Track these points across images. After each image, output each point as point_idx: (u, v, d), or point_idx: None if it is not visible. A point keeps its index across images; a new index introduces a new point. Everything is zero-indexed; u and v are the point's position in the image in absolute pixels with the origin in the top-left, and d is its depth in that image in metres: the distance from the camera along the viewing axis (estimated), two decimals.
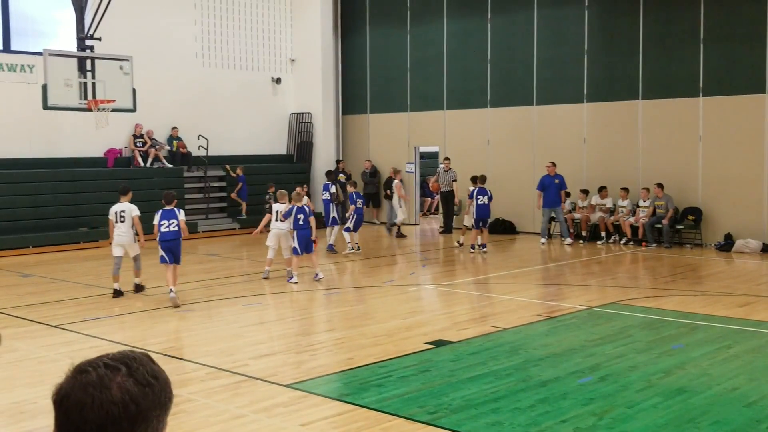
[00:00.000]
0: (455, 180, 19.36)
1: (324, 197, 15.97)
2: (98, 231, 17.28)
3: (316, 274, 12.54)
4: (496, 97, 19.80)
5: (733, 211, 16.29)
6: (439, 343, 8.54)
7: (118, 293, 11.21)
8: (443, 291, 11.99)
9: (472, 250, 15.63)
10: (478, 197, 15.68)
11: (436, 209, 22.32)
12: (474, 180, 15.99)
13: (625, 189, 17.36)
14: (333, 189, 15.93)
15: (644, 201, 17.03)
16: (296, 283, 12.20)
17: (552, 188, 17.26)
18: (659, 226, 16.71)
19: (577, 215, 17.84)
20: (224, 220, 20.01)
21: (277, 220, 12.49)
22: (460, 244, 16.40)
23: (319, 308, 10.98)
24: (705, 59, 16.54)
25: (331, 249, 15.89)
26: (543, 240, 17.18)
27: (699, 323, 9.43)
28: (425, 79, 21.21)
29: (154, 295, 11.34)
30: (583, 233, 17.51)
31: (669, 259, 15.07)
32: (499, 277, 13.28)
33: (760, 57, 15.84)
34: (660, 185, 16.72)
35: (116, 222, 11.13)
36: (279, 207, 12.53)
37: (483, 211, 15.71)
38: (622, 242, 17.04)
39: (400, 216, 18.34)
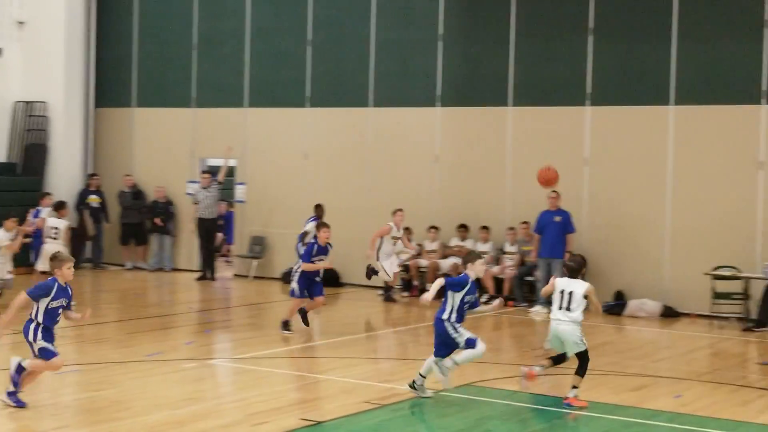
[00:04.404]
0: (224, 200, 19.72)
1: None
2: None
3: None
4: (318, 94, 20.11)
5: (627, 261, 17.36)
6: None
7: None
8: (236, 368, 11.92)
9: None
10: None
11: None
12: (317, 213, 15.40)
13: (486, 228, 18.05)
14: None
15: (511, 245, 17.77)
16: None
17: (551, 229, 16.55)
18: (531, 278, 17.49)
19: (423, 261, 18.35)
20: None
21: None
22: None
23: (45, 394, 10.58)
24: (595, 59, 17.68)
25: None
26: (540, 308, 16.31)
27: (580, 413, 9.87)
28: (219, 63, 21.22)
29: None
30: (429, 286, 17.92)
31: (541, 325, 15.73)
32: (315, 348, 13.33)
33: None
34: (529, 224, 17.50)
35: None
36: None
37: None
38: (482, 300, 17.60)
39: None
